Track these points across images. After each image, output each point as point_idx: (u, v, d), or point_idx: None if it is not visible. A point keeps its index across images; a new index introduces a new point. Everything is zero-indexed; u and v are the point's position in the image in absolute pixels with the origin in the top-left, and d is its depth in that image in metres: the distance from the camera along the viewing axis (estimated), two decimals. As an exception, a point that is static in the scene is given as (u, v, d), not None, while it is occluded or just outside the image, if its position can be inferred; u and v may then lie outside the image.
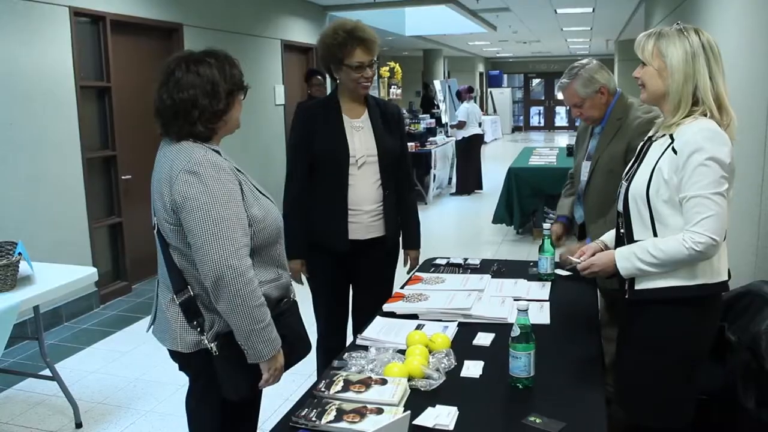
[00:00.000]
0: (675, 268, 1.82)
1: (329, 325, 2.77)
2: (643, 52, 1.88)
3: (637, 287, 1.89)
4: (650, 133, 2.04)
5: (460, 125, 10.09)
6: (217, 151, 1.84)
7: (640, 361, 1.93)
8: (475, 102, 11.54)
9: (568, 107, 2.78)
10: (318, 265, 2.71)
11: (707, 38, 1.81)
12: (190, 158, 1.76)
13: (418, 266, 2.87)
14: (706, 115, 1.80)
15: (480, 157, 10.35)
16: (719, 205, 1.74)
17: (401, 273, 2.81)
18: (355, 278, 2.76)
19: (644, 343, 1.92)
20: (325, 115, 2.64)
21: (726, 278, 1.89)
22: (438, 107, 14.85)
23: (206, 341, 1.80)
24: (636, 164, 1.96)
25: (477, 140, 10.16)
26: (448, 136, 11.14)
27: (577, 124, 3.30)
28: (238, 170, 1.87)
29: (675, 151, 1.79)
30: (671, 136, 1.83)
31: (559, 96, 2.83)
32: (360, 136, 2.63)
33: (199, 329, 1.81)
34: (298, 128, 2.72)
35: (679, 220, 1.80)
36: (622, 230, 2.00)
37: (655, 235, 1.85)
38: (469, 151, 10.07)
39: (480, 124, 10.57)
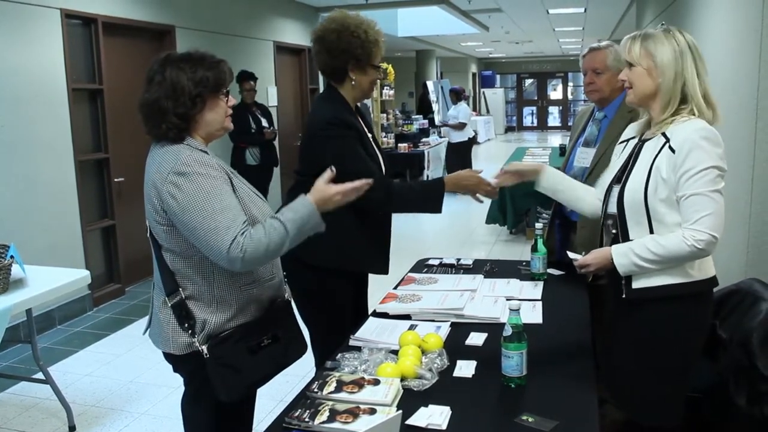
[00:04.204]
0: (672, 266, 1.84)
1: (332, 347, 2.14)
2: (630, 53, 1.90)
3: (634, 286, 1.90)
4: (628, 135, 2.07)
5: (461, 126, 9.93)
6: (205, 152, 1.84)
7: (637, 360, 1.95)
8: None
9: (584, 74, 2.74)
10: (340, 293, 2.40)
11: (691, 39, 1.87)
12: (177, 159, 1.76)
13: None
14: (694, 114, 1.84)
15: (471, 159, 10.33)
16: (717, 203, 1.78)
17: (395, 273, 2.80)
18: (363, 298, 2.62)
19: (641, 341, 1.93)
20: (362, 131, 2.33)
21: (714, 273, 1.93)
22: (432, 108, 14.86)
23: (197, 343, 1.80)
24: (628, 166, 1.97)
25: (473, 142, 10.11)
26: (441, 137, 11.13)
27: (569, 123, 3.30)
28: (228, 170, 1.87)
29: (672, 150, 1.81)
30: (664, 135, 1.85)
31: (583, 60, 2.72)
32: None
33: (190, 331, 1.81)
34: (352, 144, 2.27)
35: (676, 218, 1.83)
36: (614, 231, 2.01)
37: (652, 233, 1.87)
38: (465, 153, 9.99)
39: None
